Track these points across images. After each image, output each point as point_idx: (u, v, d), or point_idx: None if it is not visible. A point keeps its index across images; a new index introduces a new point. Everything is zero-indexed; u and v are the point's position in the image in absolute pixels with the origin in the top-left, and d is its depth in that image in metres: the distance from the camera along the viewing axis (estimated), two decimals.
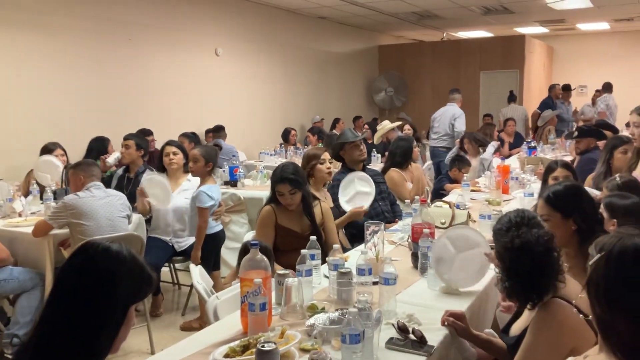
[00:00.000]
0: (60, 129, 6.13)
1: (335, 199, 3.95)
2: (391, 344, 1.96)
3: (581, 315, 1.64)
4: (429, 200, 3.86)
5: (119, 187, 4.67)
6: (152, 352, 3.75)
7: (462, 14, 10.50)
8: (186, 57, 8.03)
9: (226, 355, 1.83)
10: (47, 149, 5.13)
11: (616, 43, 13.07)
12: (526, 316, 2.03)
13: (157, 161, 4.84)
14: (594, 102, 11.10)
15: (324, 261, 2.69)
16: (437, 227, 3.31)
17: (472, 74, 12.11)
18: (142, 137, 5.41)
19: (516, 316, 2.12)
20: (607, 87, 10.31)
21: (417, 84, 12.57)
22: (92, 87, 6.69)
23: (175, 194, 4.42)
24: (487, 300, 2.64)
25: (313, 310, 2.23)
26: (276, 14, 9.77)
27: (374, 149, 7.75)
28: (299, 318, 2.18)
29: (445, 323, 2.12)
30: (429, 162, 7.83)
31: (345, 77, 12.03)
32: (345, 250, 3.44)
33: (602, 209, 2.56)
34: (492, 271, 2.46)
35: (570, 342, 1.79)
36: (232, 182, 5.78)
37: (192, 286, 4.19)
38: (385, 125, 7.48)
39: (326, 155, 3.94)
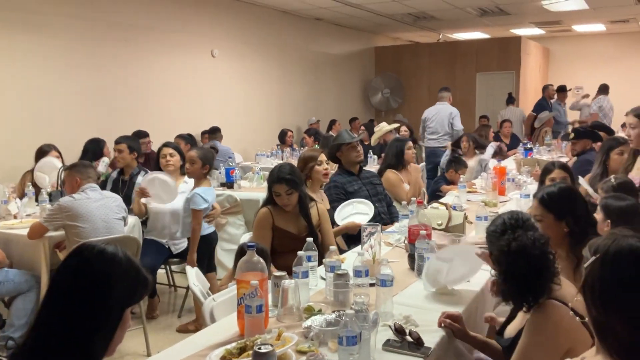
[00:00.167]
0: (55, 131, 6.10)
1: (332, 200, 3.95)
2: (388, 345, 1.96)
3: (578, 317, 1.64)
4: (425, 202, 3.86)
5: (114, 190, 4.62)
6: (149, 355, 3.74)
7: (458, 16, 10.51)
8: (182, 59, 8.01)
9: (222, 358, 1.83)
10: (42, 151, 5.08)
11: (612, 44, 13.10)
12: (520, 318, 2.03)
13: (154, 163, 4.80)
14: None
15: (320, 263, 2.69)
16: (433, 228, 3.32)
17: (468, 76, 12.12)
18: (134, 138, 5.34)
19: (510, 318, 2.13)
20: (603, 89, 10.31)
21: (414, 86, 12.58)
22: (88, 89, 6.67)
23: None
24: (484, 302, 2.64)
25: (310, 312, 2.23)
26: (272, 15, 9.76)
27: (371, 151, 7.76)
28: (295, 320, 2.18)
29: (442, 324, 2.12)
30: (422, 164, 7.82)
31: (342, 79, 12.03)
32: (341, 251, 3.44)
33: (597, 211, 2.58)
34: (487, 272, 2.46)
35: (565, 343, 1.79)
36: (229, 184, 5.77)
37: (188, 288, 4.19)
38: (383, 127, 7.49)
39: (323, 157, 3.93)
